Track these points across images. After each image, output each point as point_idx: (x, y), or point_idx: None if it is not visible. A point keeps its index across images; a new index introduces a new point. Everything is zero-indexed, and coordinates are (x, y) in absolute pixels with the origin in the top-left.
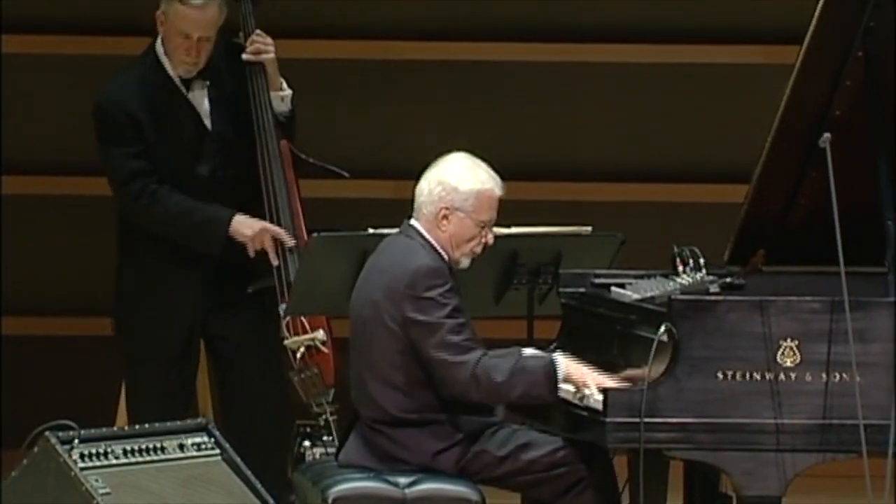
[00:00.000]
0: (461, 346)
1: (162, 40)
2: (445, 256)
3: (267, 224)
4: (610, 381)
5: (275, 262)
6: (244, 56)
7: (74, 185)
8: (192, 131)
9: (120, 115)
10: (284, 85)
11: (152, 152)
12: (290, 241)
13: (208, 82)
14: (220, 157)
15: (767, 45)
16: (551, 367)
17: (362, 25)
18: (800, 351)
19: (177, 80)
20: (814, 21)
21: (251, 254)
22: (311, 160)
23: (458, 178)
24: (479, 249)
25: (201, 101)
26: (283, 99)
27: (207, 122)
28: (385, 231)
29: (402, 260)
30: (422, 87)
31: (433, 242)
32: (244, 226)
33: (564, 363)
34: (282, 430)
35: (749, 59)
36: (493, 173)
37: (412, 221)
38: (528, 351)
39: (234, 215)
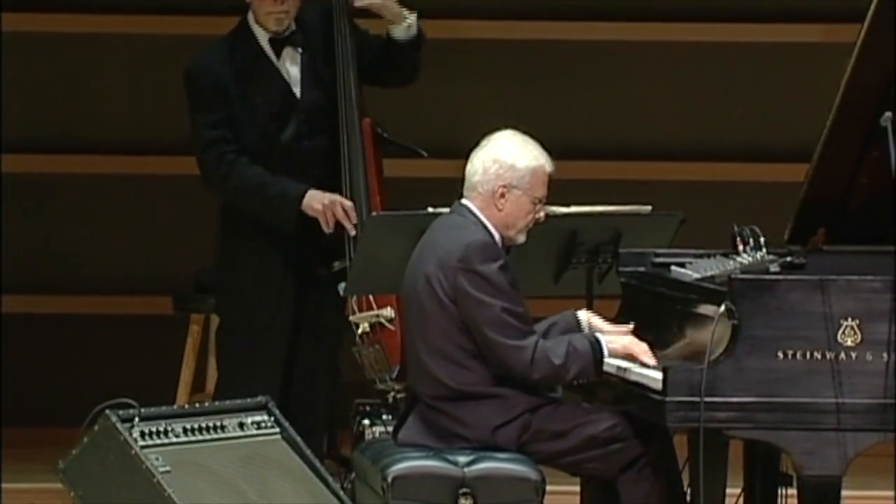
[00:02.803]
0: (520, 329)
1: (252, 8)
2: (497, 236)
3: (338, 197)
4: (649, 353)
5: (352, 233)
6: (357, 3)
7: (75, 163)
8: (279, 98)
9: (206, 81)
10: (407, 13)
11: (237, 119)
12: (351, 229)
13: (300, 49)
14: (307, 125)
15: (828, 23)
16: (598, 347)
17: (430, 4)
18: (860, 330)
19: (266, 48)
20: None
21: (325, 229)
22: (391, 139)
23: (514, 156)
24: (531, 225)
25: (291, 69)
26: (409, 27)
27: (297, 90)
28: (443, 210)
29: (454, 235)
30: (486, 66)
31: (485, 222)
32: (315, 200)
33: (606, 341)
34: (321, 411)
35: (809, 38)
36: (542, 149)
37: (464, 201)
38: (583, 314)
39: (307, 190)
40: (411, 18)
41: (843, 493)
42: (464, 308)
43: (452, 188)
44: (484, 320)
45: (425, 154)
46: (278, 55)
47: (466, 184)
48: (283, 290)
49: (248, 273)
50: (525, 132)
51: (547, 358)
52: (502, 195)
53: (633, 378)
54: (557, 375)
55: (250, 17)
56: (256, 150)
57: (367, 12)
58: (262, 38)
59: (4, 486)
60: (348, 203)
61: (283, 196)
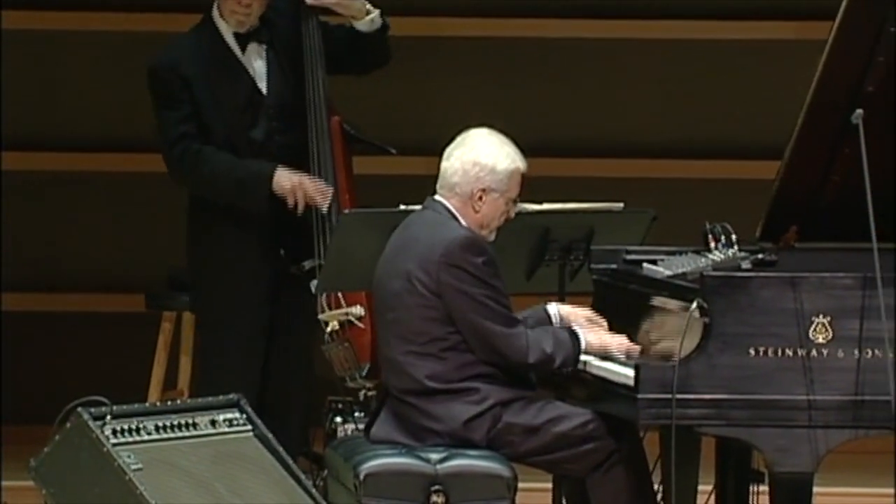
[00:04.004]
0: (512, 318)
1: (217, 3)
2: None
3: (306, 178)
4: (626, 342)
5: (324, 209)
6: (308, 0)
7: (47, 160)
8: (245, 95)
9: (171, 76)
10: (369, 7)
11: (204, 115)
12: (323, 203)
13: (266, 45)
14: (277, 121)
15: (800, 20)
16: (576, 340)
17: (402, 1)
18: (832, 327)
19: (231, 42)
20: None
21: (290, 204)
22: (359, 137)
23: (494, 159)
24: (501, 222)
25: (256, 64)
26: (372, 20)
27: (263, 86)
28: (416, 207)
29: (434, 231)
30: (458, 63)
31: (461, 220)
32: (284, 178)
33: (584, 334)
34: (298, 409)
35: (782, 35)
36: (515, 147)
37: (438, 197)
38: (552, 307)
39: (276, 168)
40: (374, 13)
41: (845, 489)
42: (452, 302)
43: (428, 185)
44: (476, 312)
45: (394, 151)
46: (243, 50)
47: (442, 182)
48: (256, 287)
49: (220, 270)
50: (499, 129)
51: (539, 345)
52: (480, 198)
53: (594, 372)
54: (547, 363)
55: (215, 11)
56: (225, 146)
57: (328, 11)
58: (227, 32)
59: None
60: (319, 182)
61: (254, 177)
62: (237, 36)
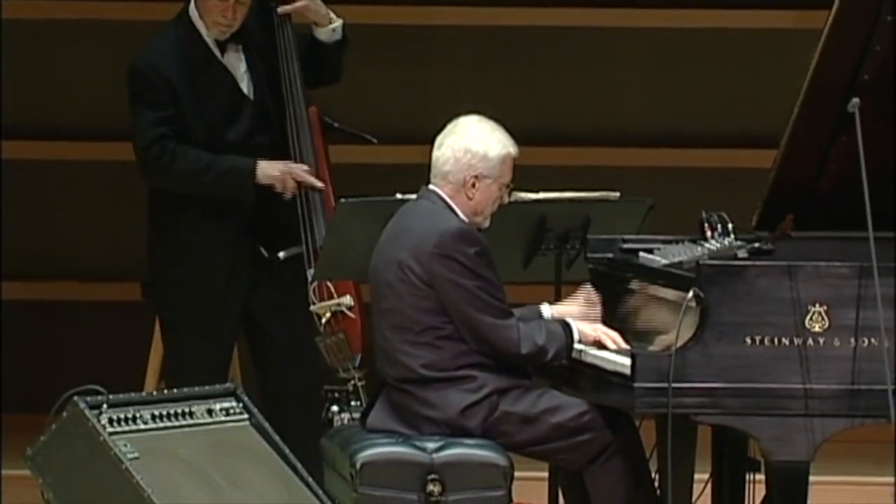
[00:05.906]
0: (504, 310)
1: (195, 3)
2: (467, 222)
3: (291, 163)
4: (620, 340)
5: (319, 186)
6: (279, 10)
7: (74, 150)
8: (227, 96)
9: (156, 78)
10: (333, 17)
11: (184, 117)
12: (318, 184)
13: (241, 46)
14: (258, 122)
15: (797, 9)
16: (570, 331)
17: None
18: (828, 316)
19: (211, 44)
20: None
21: (279, 190)
22: (339, 126)
23: (486, 145)
24: (495, 208)
25: (237, 66)
26: (334, 30)
27: (245, 87)
28: (412, 196)
29: (428, 221)
30: (452, 52)
31: (455, 208)
32: (271, 168)
33: (577, 325)
34: (316, 397)
35: (779, 24)
36: (506, 133)
37: (432, 187)
38: (546, 310)
39: (257, 162)
40: (337, 22)
41: (845, 478)
42: (444, 293)
43: (422, 174)
44: (468, 303)
45: (374, 141)
46: (223, 52)
47: (435, 171)
48: (225, 282)
49: (188, 267)
50: (491, 117)
51: (531, 337)
52: (473, 185)
53: (590, 360)
54: (539, 355)
55: (193, 11)
56: (204, 146)
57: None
58: (207, 34)
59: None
60: (304, 166)
61: (235, 170)
62: (216, 39)
